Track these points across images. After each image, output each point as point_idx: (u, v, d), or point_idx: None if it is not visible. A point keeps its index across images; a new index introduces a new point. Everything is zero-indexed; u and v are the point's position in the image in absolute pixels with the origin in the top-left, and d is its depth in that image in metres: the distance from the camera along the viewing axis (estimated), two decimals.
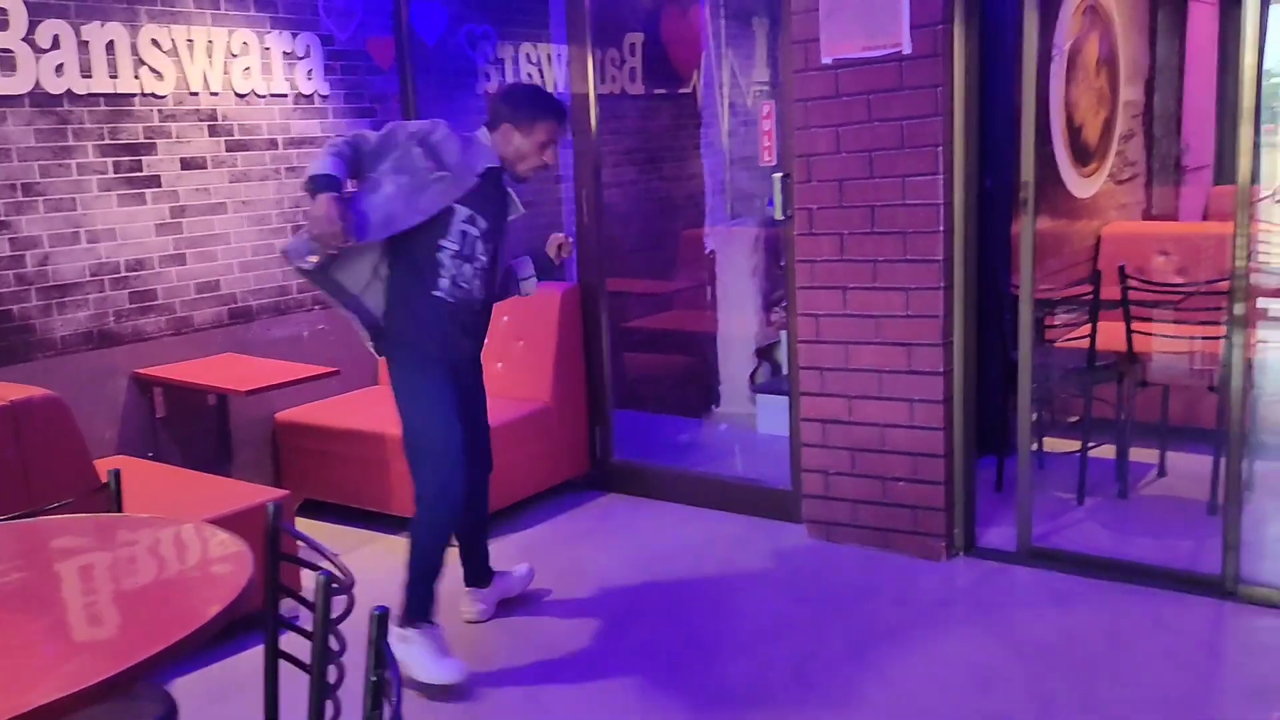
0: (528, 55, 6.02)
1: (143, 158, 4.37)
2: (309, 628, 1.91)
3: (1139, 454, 4.67)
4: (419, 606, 3.33)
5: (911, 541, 4.05)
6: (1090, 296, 4.44)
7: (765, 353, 5.86)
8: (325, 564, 1.92)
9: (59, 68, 4.09)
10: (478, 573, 3.75)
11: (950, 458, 3.96)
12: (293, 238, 3.45)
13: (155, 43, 4.36)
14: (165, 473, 4.04)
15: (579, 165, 4.81)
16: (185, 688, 3.19)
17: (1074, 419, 4.71)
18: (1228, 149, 6.93)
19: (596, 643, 3.57)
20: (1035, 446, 4.49)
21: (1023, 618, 3.58)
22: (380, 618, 1.69)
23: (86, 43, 4.15)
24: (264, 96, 4.75)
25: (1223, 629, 3.51)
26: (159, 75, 4.38)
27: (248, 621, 2.27)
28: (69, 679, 1.59)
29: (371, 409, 4.64)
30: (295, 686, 2.06)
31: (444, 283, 3.29)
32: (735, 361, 5.89)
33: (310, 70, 4.90)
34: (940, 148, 3.75)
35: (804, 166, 4.04)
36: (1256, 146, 3.62)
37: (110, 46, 4.22)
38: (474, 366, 3.55)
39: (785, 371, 4.81)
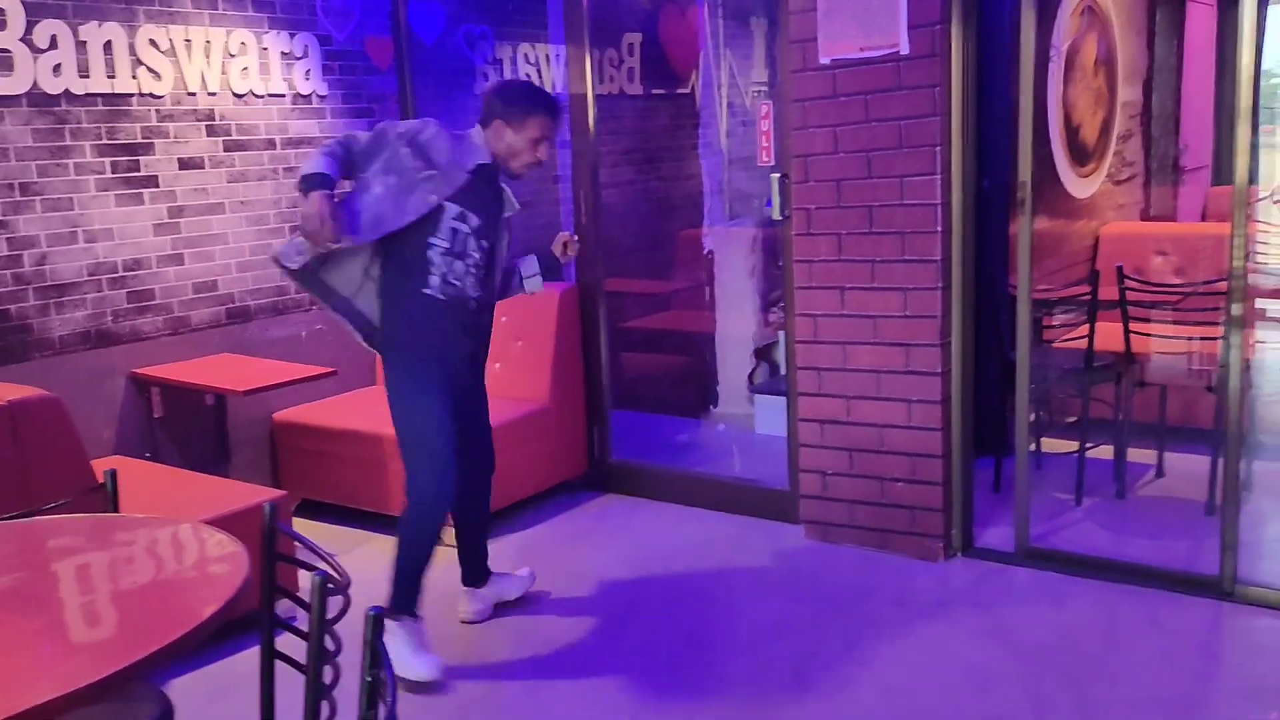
0: (526, 55, 6.01)
1: (140, 158, 4.37)
2: (305, 628, 1.91)
3: (1137, 454, 4.67)
4: (403, 600, 3.34)
5: (909, 542, 4.05)
6: (1088, 297, 4.44)
7: (763, 353, 5.85)
8: (321, 564, 1.92)
9: (56, 68, 4.09)
10: (475, 573, 3.75)
11: (948, 458, 3.96)
12: (286, 241, 3.45)
13: (153, 43, 4.36)
14: (162, 473, 4.04)
15: (577, 165, 4.81)
16: (181, 688, 3.19)
17: (1072, 419, 4.71)
18: (1225, 149, 6.94)
19: (595, 642, 3.57)
20: (1033, 447, 4.50)
21: (1020, 618, 3.58)
22: (376, 618, 1.69)
23: (84, 43, 4.15)
24: (262, 97, 4.75)
25: (1220, 629, 3.51)
26: (157, 75, 4.38)
27: (244, 622, 2.27)
28: (65, 679, 1.59)
29: (369, 409, 4.63)
30: (291, 686, 2.06)
31: (434, 280, 3.27)
32: (733, 362, 5.89)
33: (308, 70, 4.90)
34: (938, 148, 3.75)
35: (802, 167, 4.04)
36: (1254, 147, 3.63)
37: (108, 46, 4.22)
38: (473, 366, 3.52)
39: (783, 372, 4.81)
